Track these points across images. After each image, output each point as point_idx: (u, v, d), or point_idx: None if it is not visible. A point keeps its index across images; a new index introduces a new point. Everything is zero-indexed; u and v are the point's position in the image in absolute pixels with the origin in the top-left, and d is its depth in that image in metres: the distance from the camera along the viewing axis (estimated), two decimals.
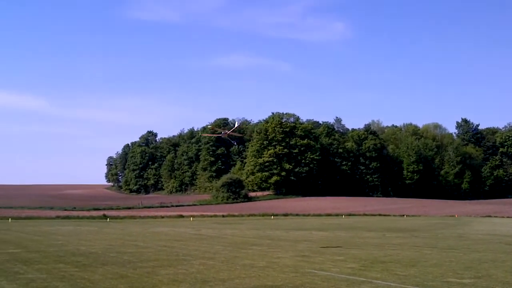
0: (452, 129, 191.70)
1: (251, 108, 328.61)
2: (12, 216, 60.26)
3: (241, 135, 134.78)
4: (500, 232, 40.53)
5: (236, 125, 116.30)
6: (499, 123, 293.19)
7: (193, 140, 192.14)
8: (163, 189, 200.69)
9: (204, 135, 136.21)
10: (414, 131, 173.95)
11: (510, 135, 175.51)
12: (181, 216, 66.12)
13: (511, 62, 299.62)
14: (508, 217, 73.97)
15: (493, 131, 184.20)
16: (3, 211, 76.99)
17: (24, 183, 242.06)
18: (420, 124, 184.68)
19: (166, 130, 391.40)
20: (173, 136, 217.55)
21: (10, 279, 14.48)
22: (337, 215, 78.15)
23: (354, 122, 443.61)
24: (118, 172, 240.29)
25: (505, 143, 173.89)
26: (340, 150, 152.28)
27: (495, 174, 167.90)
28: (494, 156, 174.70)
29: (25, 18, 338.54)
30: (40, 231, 37.16)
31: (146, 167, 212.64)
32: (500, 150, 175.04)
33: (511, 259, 20.97)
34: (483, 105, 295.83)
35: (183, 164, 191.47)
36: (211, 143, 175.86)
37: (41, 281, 14.16)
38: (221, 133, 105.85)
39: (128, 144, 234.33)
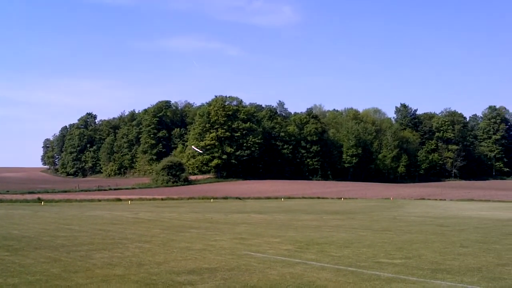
0: (391, 114, 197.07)
1: (195, 91, 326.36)
2: None
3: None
4: (432, 214, 41.90)
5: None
6: (436, 109, 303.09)
7: (134, 122, 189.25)
8: (101, 172, 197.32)
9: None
10: (355, 116, 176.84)
11: (446, 120, 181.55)
12: (119, 200, 64.98)
13: (450, 48, 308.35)
14: (441, 199, 76.43)
15: (430, 116, 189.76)
16: None
17: None
18: (361, 109, 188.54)
19: (107, 112, 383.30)
20: (114, 118, 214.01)
21: None
22: (276, 198, 78.60)
23: (296, 106, 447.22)
24: (55, 154, 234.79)
25: (441, 128, 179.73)
26: (282, 134, 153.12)
27: (430, 158, 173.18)
28: (430, 141, 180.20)
29: None
30: None
31: (84, 149, 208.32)
32: (436, 135, 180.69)
33: (441, 240, 21.74)
34: (421, 90, 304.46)
35: (123, 147, 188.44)
36: (152, 126, 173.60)
37: None
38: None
39: (66, 126, 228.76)
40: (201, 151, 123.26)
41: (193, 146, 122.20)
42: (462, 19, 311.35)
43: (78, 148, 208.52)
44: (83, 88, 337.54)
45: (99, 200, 63.66)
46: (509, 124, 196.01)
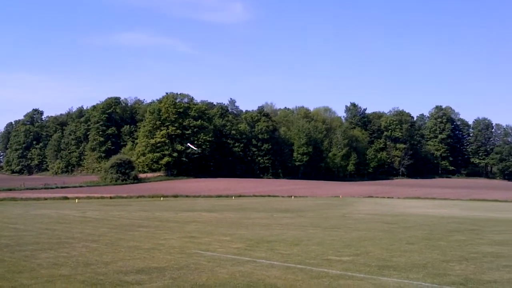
0: (341, 113, 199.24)
1: (145, 87, 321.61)
2: None
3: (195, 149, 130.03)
4: (380, 212, 42.72)
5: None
6: (385, 108, 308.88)
7: (82, 119, 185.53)
8: (48, 170, 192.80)
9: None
10: (306, 114, 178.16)
11: (394, 120, 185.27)
12: (66, 198, 63.61)
13: (398, 49, 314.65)
14: (389, 197, 78.05)
15: (379, 115, 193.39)
16: None
17: None
18: (312, 108, 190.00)
19: (54, 108, 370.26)
20: (61, 114, 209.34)
21: None
22: (227, 196, 78.51)
23: (248, 104, 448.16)
24: (0, 151, 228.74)
25: (389, 127, 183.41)
26: (233, 132, 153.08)
27: (378, 157, 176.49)
28: (378, 139, 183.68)
29: None
30: None
31: (30, 146, 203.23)
32: (384, 134, 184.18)
33: (388, 237, 22.16)
34: (370, 90, 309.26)
35: (70, 144, 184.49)
36: (101, 123, 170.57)
37: None
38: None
39: (12, 123, 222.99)
40: (195, 148, 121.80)
41: (188, 144, 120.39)
42: (408, 20, 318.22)
43: (23, 145, 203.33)
44: (29, 83, 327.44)
45: (45, 199, 62.20)
46: (454, 123, 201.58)
